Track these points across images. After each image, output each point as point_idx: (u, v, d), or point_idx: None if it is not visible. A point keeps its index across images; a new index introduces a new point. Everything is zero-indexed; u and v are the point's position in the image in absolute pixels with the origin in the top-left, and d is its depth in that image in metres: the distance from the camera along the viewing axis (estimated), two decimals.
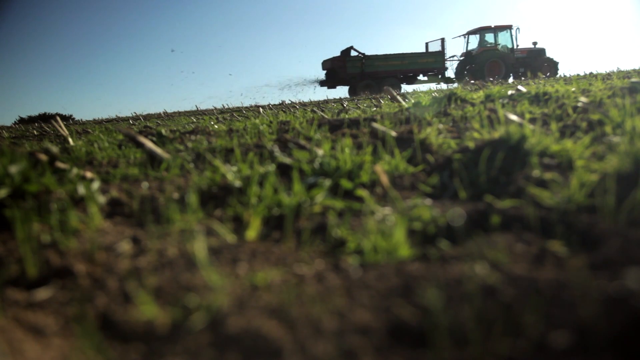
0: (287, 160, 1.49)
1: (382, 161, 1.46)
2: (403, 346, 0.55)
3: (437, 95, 4.09)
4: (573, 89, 3.80)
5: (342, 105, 7.18)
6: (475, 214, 0.97)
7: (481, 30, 20.00)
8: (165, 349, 0.59)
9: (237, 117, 6.82)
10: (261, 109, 9.24)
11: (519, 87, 3.97)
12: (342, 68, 19.74)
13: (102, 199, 1.22)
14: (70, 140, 3.73)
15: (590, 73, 12.51)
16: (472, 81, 15.48)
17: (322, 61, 21.03)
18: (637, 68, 14.35)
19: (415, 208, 0.99)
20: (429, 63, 20.26)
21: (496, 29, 19.82)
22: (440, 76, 20.46)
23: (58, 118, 4.37)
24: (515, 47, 19.89)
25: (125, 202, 1.25)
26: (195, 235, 0.88)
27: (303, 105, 11.55)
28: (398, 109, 3.72)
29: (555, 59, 20.05)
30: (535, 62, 19.70)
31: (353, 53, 19.81)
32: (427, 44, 20.83)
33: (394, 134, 1.81)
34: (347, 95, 18.77)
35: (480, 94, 4.15)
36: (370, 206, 1.06)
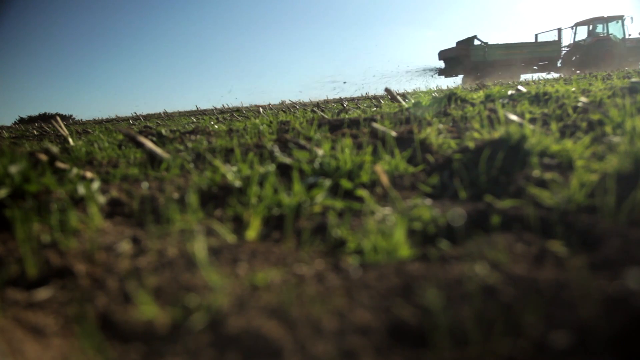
0: (287, 160, 1.49)
1: (382, 161, 1.46)
2: (403, 346, 0.55)
3: (437, 95, 4.09)
4: (573, 89, 3.81)
5: (342, 105, 7.18)
6: (475, 214, 0.97)
7: (593, 21, 20.33)
8: (165, 349, 0.59)
9: (237, 117, 6.82)
10: (261, 109, 9.24)
11: (519, 87, 3.97)
12: (466, 57, 20.40)
13: (102, 199, 1.22)
14: (70, 140, 3.73)
15: (590, 73, 12.55)
16: (578, 71, 15.72)
17: (439, 51, 21.90)
18: (637, 68, 14.36)
19: (415, 208, 0.99)
20: (546, 52, 20.88)
21: (607, 19, 20.13)
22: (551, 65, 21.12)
23: (58, 118, 4.37)
24: (626, 36, 20.24)
25: (125, 202, 1.25)
26: (195, 235, 0.88)
27: (303, 105, 11.55)
28: (398, 109, 3.72)
29: None
30: None
31: (476, 42, 20.56)
32: (536, 35, 21.48)
33: (394, 134, 1.81)
34: (462, 84, 19.24)
35: (480, 94, 4.15)
36: (370, 206, 1.06)
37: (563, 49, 21.25)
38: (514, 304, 0.58)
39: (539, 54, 20.77)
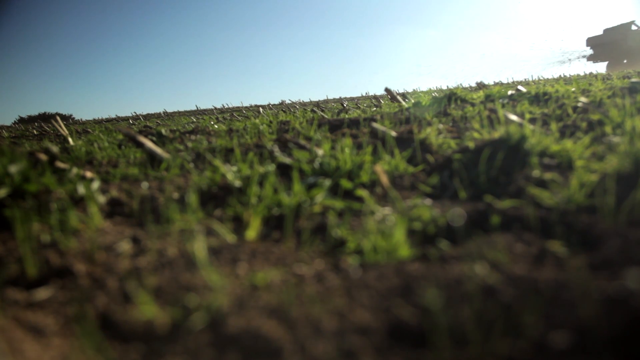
0: (287, 160, 1.49)
1: (382, 161, 1.46)
2: (403, 346, 0.55)
3: (437, 95, 4.09)
4: (573, 89, 3.80)
5: (342, 105, 7.18)
6: (475, 214, 0.97)
7: None
8: (165, 349, 0.59)
9: (237, 117, 6.82)
10: (261, 109, 9.25)
11: (519, 87, 3.97)
12: (623, 42, 21.12)
13: (102, 199, 1.22)
14: (70, 140, 3.73)
15: (590, 73, 12.56)
16: None
17: (587, 38, 22.88)
18: (637, 68, 14.37)
19: (415, 208, 0.99)
20: None
21: None
22: None
23: (58, 118, 4.37)
24: None
25: (125, 202, 1.25)
26: (195, 235, 0.88)
27: (303, 105, 11.56)
28: (398, 109, 3.72)
29: None
30: None
31: (633, 27, 21.23)
32: None
33: (394, 134, 1.81)
34: (605, 71, 19.62)
35: (480, 94, 4.15)
36: (370, 206, 1.06)
37: None
38: (513, 304, 0.58)
39: None
